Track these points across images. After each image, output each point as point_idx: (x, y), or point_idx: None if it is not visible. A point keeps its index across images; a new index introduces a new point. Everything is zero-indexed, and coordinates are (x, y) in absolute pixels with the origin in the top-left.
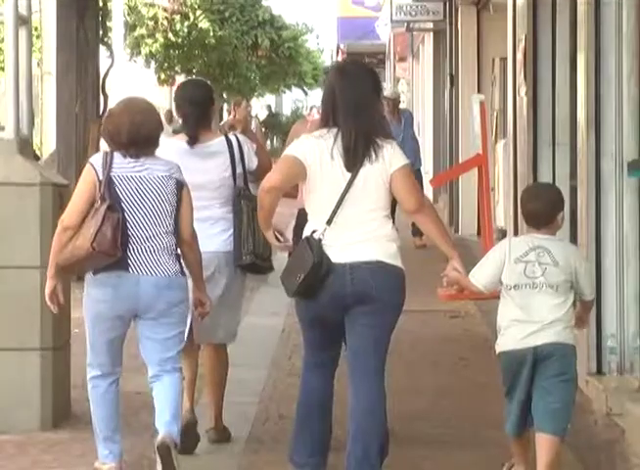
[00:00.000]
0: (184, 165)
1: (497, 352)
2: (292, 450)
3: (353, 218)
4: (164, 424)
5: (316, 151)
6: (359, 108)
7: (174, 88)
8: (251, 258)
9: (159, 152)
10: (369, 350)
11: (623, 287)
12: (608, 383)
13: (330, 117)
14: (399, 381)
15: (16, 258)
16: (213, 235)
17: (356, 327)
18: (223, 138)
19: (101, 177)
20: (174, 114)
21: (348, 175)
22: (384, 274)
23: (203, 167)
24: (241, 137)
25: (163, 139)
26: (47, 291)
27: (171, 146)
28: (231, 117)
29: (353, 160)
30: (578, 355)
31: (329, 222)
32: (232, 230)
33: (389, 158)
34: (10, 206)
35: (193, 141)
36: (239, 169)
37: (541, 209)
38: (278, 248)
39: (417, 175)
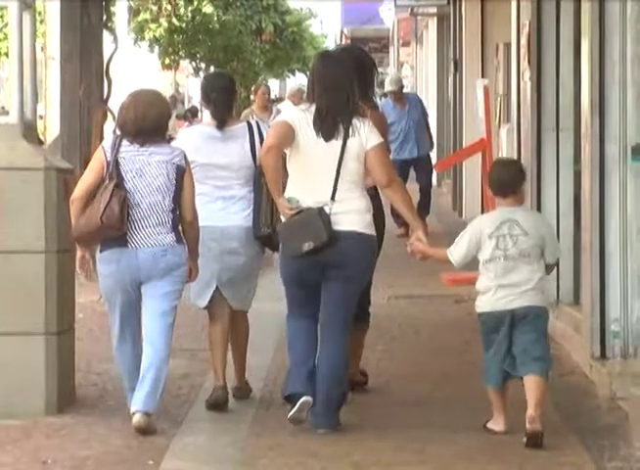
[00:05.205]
0: (210, 149)
1: (477, 312)
2: (284, 387)
3: (340, 188)
4: (142, 399)
5: (302, 120)
6: (333, 87)
7: (177, 72)
8: (268, 229)
9: (184, 137)
10: (339, 303)
11: (627, 271)
12: (612, 367)
13: (311, 94)
14: (403, 365)
15: (20, 242)
16: (236, 212)
17: (330, 284)
18: (245, 123)
19: (109, 158)
20: (177, 99)
21: (335, 147)
22: (362, 244)
23: (226, 150)
24: (260, 122)
25: (191, 127)
26: (77, 257)
27: (196, 131)
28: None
29: (329, 132)
30: (582, 340)
31: (332, 198)
32: (252, 207)
33: (366, 135)
34: (14, 190)
35: (222, 125)
36: (258, 152)
37: (507, 177)
38: (288, 214)
39: (425, 161)
